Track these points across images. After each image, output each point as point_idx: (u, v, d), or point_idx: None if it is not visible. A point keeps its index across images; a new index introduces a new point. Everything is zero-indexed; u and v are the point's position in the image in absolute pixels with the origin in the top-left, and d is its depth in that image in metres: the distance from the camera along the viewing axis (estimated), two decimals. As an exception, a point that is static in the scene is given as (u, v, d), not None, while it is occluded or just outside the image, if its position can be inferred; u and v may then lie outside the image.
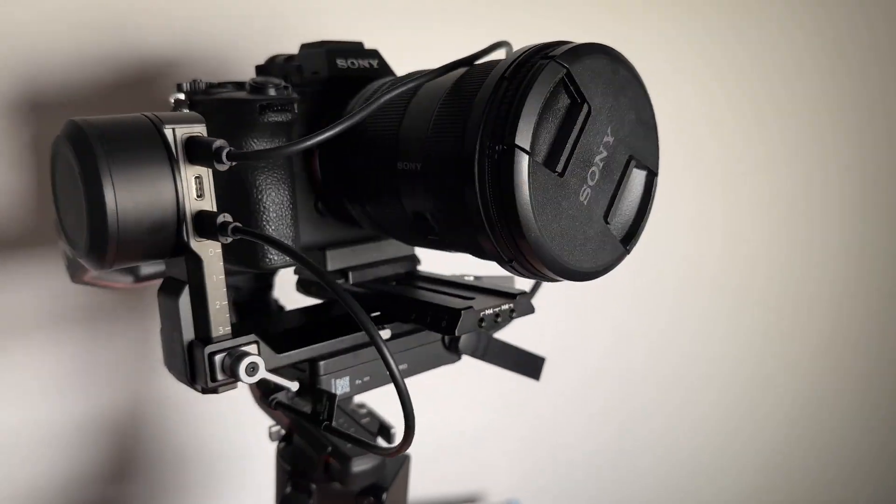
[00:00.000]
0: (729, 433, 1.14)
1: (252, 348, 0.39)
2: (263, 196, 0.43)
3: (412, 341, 0.47)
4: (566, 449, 1.05)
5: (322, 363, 0.43)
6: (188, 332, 0.39)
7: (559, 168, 0.34)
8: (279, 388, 0.44)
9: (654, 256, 0.97)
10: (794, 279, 1.08)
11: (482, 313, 0.43)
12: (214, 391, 0.39)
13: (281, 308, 0.60)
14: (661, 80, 0.86)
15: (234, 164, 0.35)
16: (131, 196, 0.34)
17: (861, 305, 1.12)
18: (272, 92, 0.43)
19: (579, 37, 0.38)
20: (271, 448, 0.59)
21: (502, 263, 0.37)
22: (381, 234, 0.47)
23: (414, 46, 0.74)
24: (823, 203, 1.05)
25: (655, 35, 0.88)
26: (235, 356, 0.38)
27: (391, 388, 0.34)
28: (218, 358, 0.38)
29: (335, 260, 0.50)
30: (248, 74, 0.54)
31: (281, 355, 0.41)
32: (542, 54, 0.35)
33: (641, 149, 0.39)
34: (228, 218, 0.36)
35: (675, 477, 1.13)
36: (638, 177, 0.39)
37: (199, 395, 0.65)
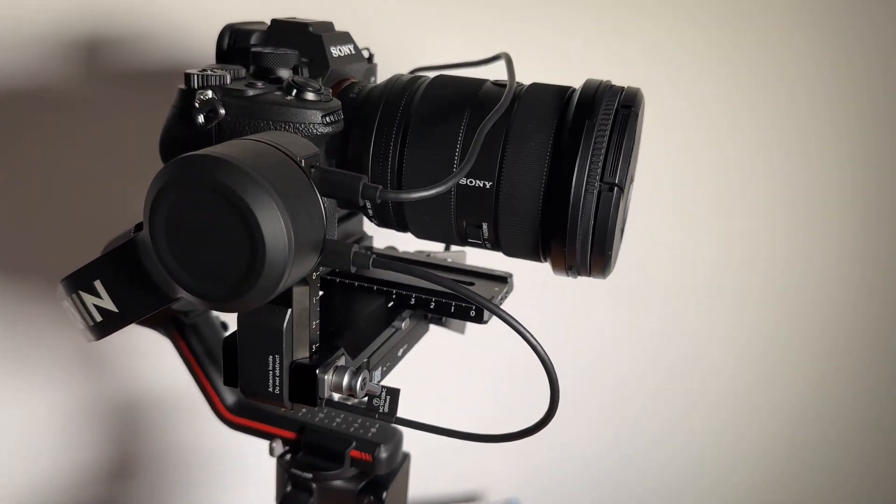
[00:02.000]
0: (730, 433, 1.13)
1: (343, 360, 0.41)
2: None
3: (413, 322, 0.51)
4: (566, 449, 1.05)
5: (369, 362, 0.46)
6: (289, 356, 0.39)
7: (627, 193, 0.43)
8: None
9: (654, 256, 0.97)
10: (794, 278, 1.06)
11: (496, 299, 0.50)
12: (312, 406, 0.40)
13: (224, 325, 0.61)
14: (655, 77, 0.87)
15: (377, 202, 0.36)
16: (300, 227, 0.33)
17: (862, 305, 1.10)
18: (314, 96, 0.42)
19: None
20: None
21: (559, 269, 0.45)
22: (394, 228, 0.49)
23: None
24: (823, 201, 1.03)
25: (649, 31, 0.88)
26: (347, 372, 0.40)
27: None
28: (326, 377, 0.39)
29: None
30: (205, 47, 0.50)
31: (355, 359, 0.43)
32: (615, 94, 0.42)
33: (635, 168, 0.48)
34: (367, 246, 0.37)
35: (675, 477, 1.13)
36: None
37: (200, 395, 0.60)
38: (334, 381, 0.40)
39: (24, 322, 0.72)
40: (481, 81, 0.46)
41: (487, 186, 0.43)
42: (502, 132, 0.43)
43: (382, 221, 0.48)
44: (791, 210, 1.02)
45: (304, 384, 0.39)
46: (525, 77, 0.46)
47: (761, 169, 0.99)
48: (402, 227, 0.48)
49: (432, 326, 0.56)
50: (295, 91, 0.41)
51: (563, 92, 0.44)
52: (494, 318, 0.51)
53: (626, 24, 0.86)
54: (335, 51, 0.48)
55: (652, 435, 1.09)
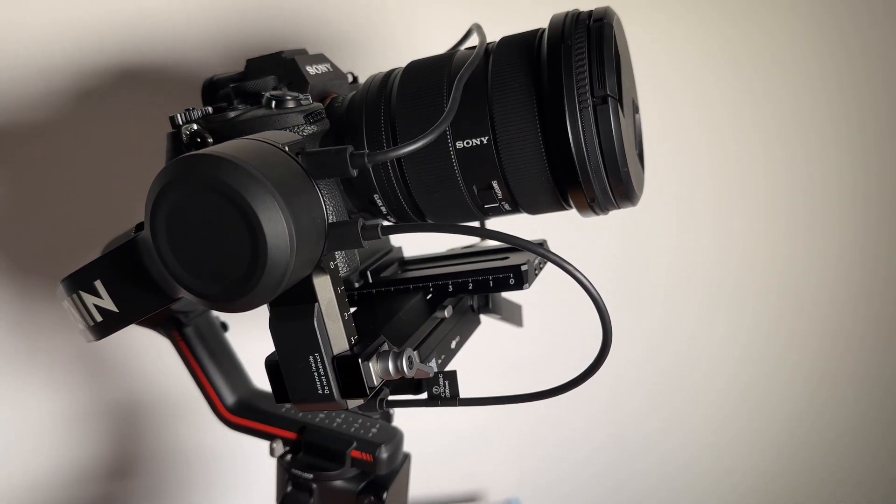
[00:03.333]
0: (729, 433, 1.13)
1: (386, 346, 0.40)
2: (326, 203, 0.42)
3: (458, 314, 0.50)
4: (566, 448, 1.04)
5: (415, 352, 0.44)
6: (329, 351, 0.38)
7: (624, 109, 0.41)
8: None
9: (653, 255, 0.97)
10: (794, 278, 1.05)
11: (533, 263, 0.48)
12: (361, 401, 0.39)
13: (224, 325, 0.62)
14: (655, 73, 0.87)
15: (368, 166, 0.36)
16: (302, 223, 0.33)
17: (862, 305, 1.09)
18: (294, 103, 0.42)
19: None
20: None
21: (582, 206, 0.43)
22: (416, 219, 0.49)
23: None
24: (823, 201, 1.02)
25: (649, 26, 0.88)
26: (390, 355, 0.38)
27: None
28: (371, 364, 0.38)
29: (345, 263, 0.50)
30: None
31: (400, 348, 0.42)
32: (584, 18, 0.41)
33: (634, 91, 0.47)
34: (375, 220, 0.36)
35: (675, 476, 1.13)
36: (635, 118, 0.48)
37: (200, 394, 0.60)
38: (380, 368, 0.38)
39: (24, 322, 0.72)
40: (453, 52, 0.46)
41: (484, 142, 0.42)
42: (484, 85, 0.42)
43: (399, 215, 0.48)
44: (792, 210, 1.02)
45: (350, 377, 0.38)
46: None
47: (762, 168, 0.99)
48: (418, 214, 0.47)
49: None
50: (274, 103, 0.42)
51: (532, 34, 0.43)
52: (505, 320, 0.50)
53: (626, 22, 0.87)
54: (311, 69, 0.49)
55: (652, 435, 1.09)
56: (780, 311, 1.07)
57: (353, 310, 0.50)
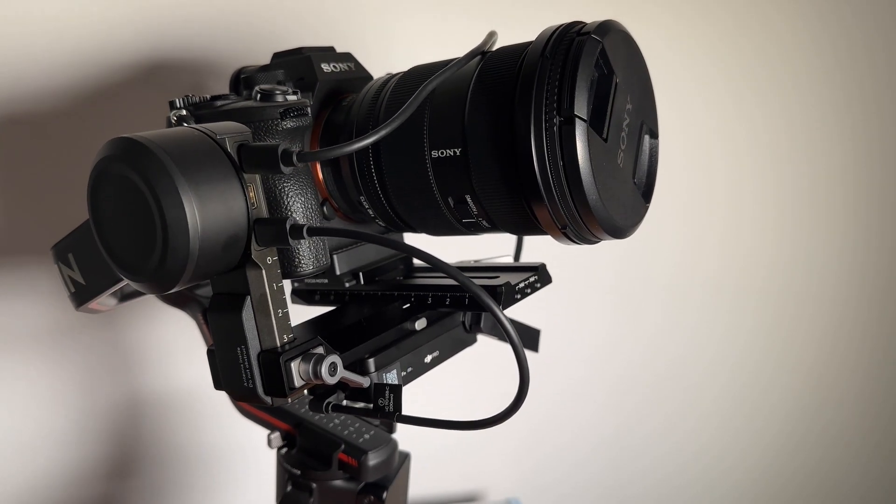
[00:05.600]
0: (728, 433, 1.14)
1: (321, 350, 0.39)
2: (292, 202, 0.43)
3: (440, 329, 0.48)
4: (566, 448, 1.05)
5: (371, 360, 0.43)
6: (255, 345, 0.38)
7: (604, 134, 0.38)
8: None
9: (654, 256, 0.98)
10: (794, 279, 1.06)
11: (517, 286, 0.46)
12: (285, 400, 0.39)
13: None
14: (661, 76, 0.89)
15: (298, 166, 0.35)
16: (211, 212, 0.33)
17: (863, 305, 1.11)
18: (281, 98, 0.43)
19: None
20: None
21: (555, 232, 0.40)
22: (403, 229, 0.48)
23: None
24: (825, 202, 1.03)
25: (657, 29, 0.88)
26: (313, 358, 0.38)
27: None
28: (294, 364, 0.38)
29: (343, 262, 0.50)
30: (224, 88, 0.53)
31: (345, 354, 0.41)
32: (574, 31, 0.38)
33: (647, 114, 0.43)
34: (299, 220, 0.36)
35: (674, 476, 1.13)
36: (645, 142, 0.43)
37: (200, 394, 0.61)
38: (304, 370, 0.38)
39: (24, 321, 0.72)
40: (452, 59, 0.45)
41: (457, 153, 0.41)
42: (465, 94, 0.41)
43: (385, 220, 0.47)
44: (792, 212, 1.03)
45: (272, 374, 0.38)
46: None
47: (762, 169, 0.99)
48: (402, 220, 0.46)
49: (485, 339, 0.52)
50: (260, 96, 0.43)
51: (523, 46, 0.41)
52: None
53: (627, 20, 0.86)
54: (326, 67, 0.49)
55: (651, 435, 1.09)
56: (779, 313, 1.08)
57: (330, 309, 0.50)
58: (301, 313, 0.49)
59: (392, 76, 0.47)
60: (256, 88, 0.43)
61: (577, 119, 0.36)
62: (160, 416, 0.79)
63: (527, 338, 0.56)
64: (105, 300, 0.48)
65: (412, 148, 0.42)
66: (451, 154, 0.41)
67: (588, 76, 0.36)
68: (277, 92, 0.43)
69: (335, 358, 0.38)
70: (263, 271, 0.37)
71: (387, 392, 0.42)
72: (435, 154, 0.41)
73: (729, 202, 1.00)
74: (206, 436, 0.82)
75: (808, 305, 1.09)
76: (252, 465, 0.83)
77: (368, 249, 0.52)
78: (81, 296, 0.43)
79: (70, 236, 0.43)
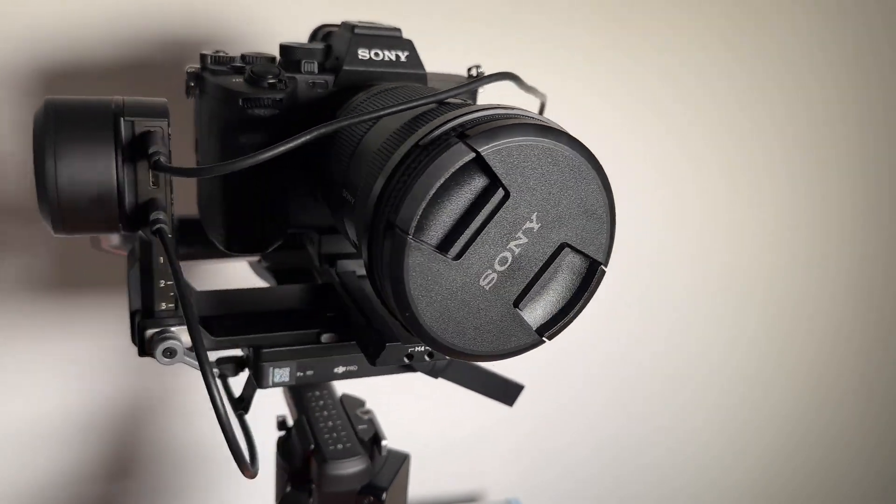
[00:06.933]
0: (729, 433, 1.14)
1: (179, 330, 0.42)
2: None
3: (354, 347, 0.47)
4: (566, 449, 1.05)
5: (264, 350, 0.45)
6: (136, 302, 0.42)
7: (453, 252, 0.32)
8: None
9: (653, 257, 0.96)
10: (794, 280, 1.07)
11: (412, 349, 0.43)
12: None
13: None
14: (669, 81, 0.88)
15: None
16: (69, 171, 0.37)
17: (864, 307, 1.12)
18: (264, 83, 0.43)
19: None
20: (271, 448, 0.60)
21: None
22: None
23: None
24: (826, 202, 1.04)
25: (658, 32, 0.86)
26: (160, 337, 0.41)
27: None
28: (148, 333, 0.42)
29: (327, 245, 0.51)
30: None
31: (215, 339, 0.44)
32: (460, 130, 0.32)
33: (583, 238, 0.35)
34: (160, 216, 0.38)
35: (674, 476, 1.14)
36: (573, 266, 0.36)
37: (199, 394, 0.66)
38: (155, 340, 0.42)
39: (24, 321, 0.71)
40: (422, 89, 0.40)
41: (353, 203, 0.38)
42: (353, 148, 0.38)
43: None
44: (793, 212, 1.03)
45: (136, 333, 0.42)
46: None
47: (764, 170, 0.99)
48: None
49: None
50: (248, 76, 0.44)
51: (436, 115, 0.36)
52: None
53: (632, 23, 0.86)
54: (363, 52, 0.47)
55: (651, 435, 1.10)
56: (779, 314, 1.08)
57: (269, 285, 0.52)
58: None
59: (386, 88, 0.44)
60: (249, 68, 0.44)
61: (397, 229, 0.32)
62: (160, 417, 0.79)
63: (501, 392, 0.53)
64: (112, 240, 0.54)
65: (338, 178, 0.41)
66: (350, 201, 0.39)
67: (432, 187, 0.31)
68: (269, 76, 0.44)
69: (176, 344, 0.41)
70: (153, 245, 0.41)
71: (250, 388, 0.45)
72: (344, 193, 0.39)
73: (731, 206, 0.99)
74: (206, 436, 0.82)
75: (808, 306, 1.09)
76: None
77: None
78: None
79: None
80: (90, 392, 0.76)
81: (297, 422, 0.58)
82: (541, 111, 0.54)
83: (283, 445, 0.58)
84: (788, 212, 1.03)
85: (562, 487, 1.07)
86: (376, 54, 0.48)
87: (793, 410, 1.15)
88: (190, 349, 0.42)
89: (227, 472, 0.85)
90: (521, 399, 0.89)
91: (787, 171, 1.00)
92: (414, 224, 0.32)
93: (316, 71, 0.47)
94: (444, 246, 0.32)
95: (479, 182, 0.32)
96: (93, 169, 0.38)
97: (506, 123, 0.32)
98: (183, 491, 0.84)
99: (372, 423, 0.58)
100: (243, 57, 0.47)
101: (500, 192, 0.32)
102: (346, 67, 0.47)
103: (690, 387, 1.08)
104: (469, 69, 0.54)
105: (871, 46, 0.97)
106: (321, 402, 0.58)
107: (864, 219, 1.07)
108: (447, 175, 0.31)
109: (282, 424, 0.60)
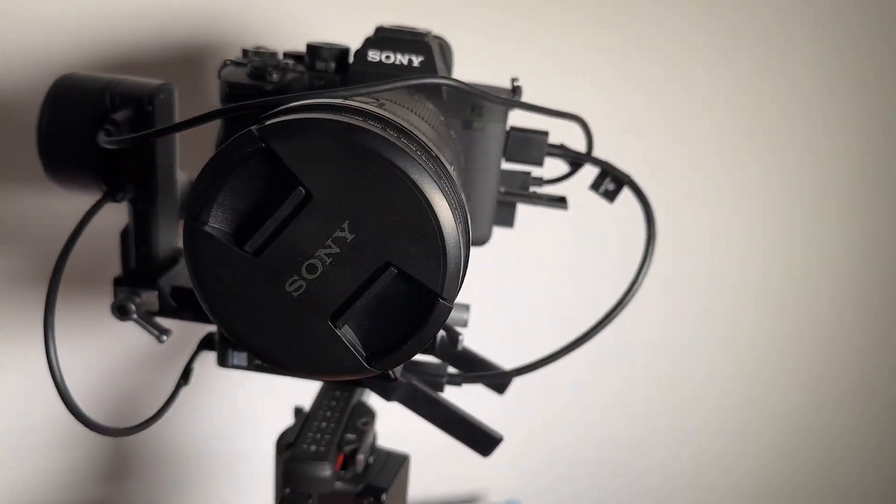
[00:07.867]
0: (729, 433, 1.13)
1: (148, 296, 0.46)
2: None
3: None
4: (566, 449, 1.04)
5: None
6: (129, 266, 0.47)
7: (251, 248, 0.31)
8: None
9: (655, 258, 0.87)
10: (794, 280, 1.06)
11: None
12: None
13: None
14: (669, 82, 0.88)
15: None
16: (61, 127, 0.44)
17: (864, 307, 1.11)
18: (262, 76, 0.45)
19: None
20: (271, 448, 0.60)
21: None
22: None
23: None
24: (826, 202, 1.03)
25: (660, 32, 0.85)
26: (123, 295, 0.45)
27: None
28: (120, 290, 0.46)
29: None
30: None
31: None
32: (262, 118, 0.31)
33: (412, 260, 0.31)
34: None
35: (675, 478, 1.13)
36: (403, 291, 0.31)
37: (199, 394, 0.68)
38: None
39: (24, 321, 0.71)
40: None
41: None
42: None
43: None
44: (793, 211, 1.02)
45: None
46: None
47: (763, 171, 0.98)
48: None
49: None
50: (250, 71, 0.46)
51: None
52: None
53: (632, 22, 0.86)
54: (373, 54, 0.47)
55: (652, 435, 1.09)
56: (779, 314, 1.08)
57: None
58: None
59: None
60: (250, 63, 0.46)
61: (186, 211, 0.31)
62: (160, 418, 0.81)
63: (478, 440, 0.49)
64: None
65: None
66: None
67: (225, 172, 0.30)
68: (271, 76, 0.46)
69: (128, 304, 0.45)
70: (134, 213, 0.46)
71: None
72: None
73: (730, 203, 0.98)
74: (205, 438, 0.81)
75: (808, 306, 1.08)
76: (252, 466, 0.81)
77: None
78: None
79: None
80: (89, 393, 0.75)
81: (299, 414, 0.59)
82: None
83: (285, 434, 0.60)
84: (788, 212, 1.02)
85: (562, 488, 1.06)
86: (387, 57, 0.47)
87: (793, 410, 1.15)
88: (151, 313, 0.46)
89: (227, 472, 0.85)
90: (522, 400, 0.90)
91: (786, 171, 0.99)
92: (199, 207, 0.31)
93: (332, 70, 0.48)
94: (240, 238, 0.31)
95: (277, 177, 0.30)
96: (83, 131, 0.43)
97: (305, 119, 0.30)
98: (183, 491, 0.84)
99: (362, 436, 0.56)
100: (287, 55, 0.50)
101: (301, 192, 0.30)
102: (353, 68, 0.47)
103: (690, 387, 1.08)
104: (512, 80, 0.51)
105: (883, 40, 0.95)
106: (332, 403, 0.58)
107: (865, 219, 1.05)
108: (234, 162, 0.30)
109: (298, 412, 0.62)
